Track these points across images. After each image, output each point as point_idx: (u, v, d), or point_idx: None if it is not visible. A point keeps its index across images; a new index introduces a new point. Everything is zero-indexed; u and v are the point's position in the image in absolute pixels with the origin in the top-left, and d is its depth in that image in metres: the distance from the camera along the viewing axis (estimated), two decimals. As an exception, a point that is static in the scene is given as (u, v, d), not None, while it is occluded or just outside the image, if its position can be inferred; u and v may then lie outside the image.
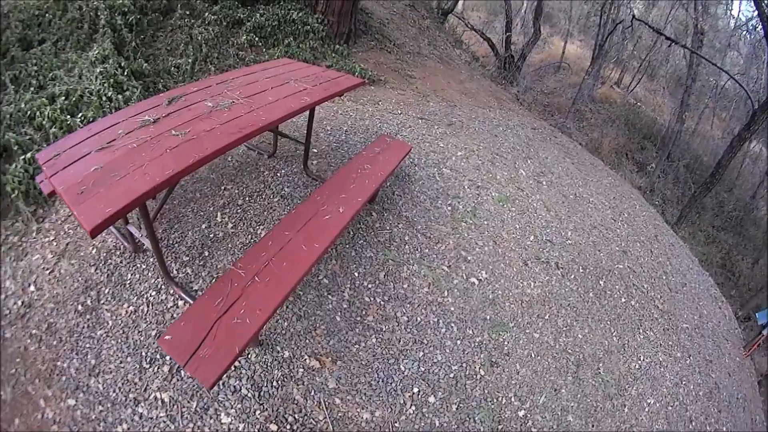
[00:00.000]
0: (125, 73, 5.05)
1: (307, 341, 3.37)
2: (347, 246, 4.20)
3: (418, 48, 9.64)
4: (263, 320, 2.57)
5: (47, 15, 5.57)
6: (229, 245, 3.77)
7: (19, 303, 3.20)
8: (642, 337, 4.94)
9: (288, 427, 2.97)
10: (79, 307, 3.15)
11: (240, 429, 2.87)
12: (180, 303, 3.29)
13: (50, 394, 2.80)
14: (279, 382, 3.12)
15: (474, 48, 16.69)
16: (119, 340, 3.02)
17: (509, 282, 4.58)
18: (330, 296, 3.71)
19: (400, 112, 6.77)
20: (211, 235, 3.80)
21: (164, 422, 2.79)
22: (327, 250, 3.21)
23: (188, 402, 2.89)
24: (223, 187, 4.31)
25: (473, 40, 17.72)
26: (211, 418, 2.86)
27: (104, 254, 3.49)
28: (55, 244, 3.60)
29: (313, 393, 3.16)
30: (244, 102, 3.39)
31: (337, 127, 5.83)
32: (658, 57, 23.30)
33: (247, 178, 4.52)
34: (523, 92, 15.43)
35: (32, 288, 3.28)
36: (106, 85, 4.76)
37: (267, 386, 3.08)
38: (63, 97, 4.56)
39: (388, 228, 4.55)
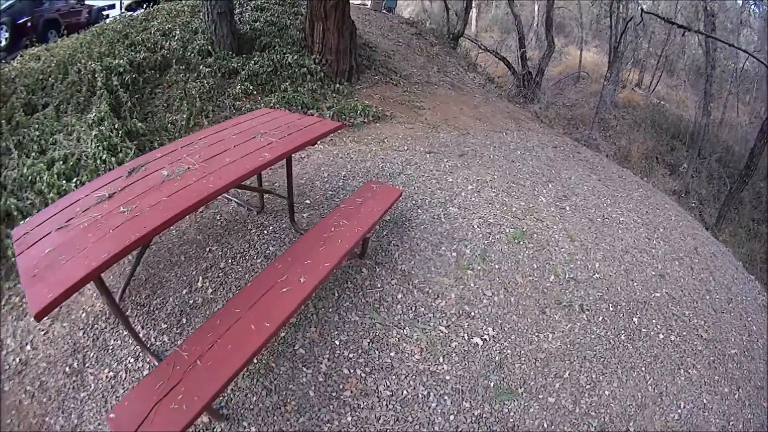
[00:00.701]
0: (120, 135, 4.82)
1: (276, 418, 2.92)
2: (330, 310, 3.57)
3: (426, 77, 8.91)
4: (200, 408, 2.23)
5: (50, 79, 5.59)
6: (207, 312, 3.42)
7: (18, 360, 3.18)
8: (683, 378, 4.02)
9: None
10: (67, 369, 3.08)
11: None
12: (155, 371, 3.01)
13: (36, 446, 2.76)
14: (241, 459, 2.75)
15: (491, 69, 15.97)
16: (99, 404, 2.90)
17: (522, 337, 3.77)
18: (305, 368, 3.17)
19: (406, 148, 6.06)
20: (191, 302, 3.50)
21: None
22: (279, 330, 2.71)
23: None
24: (207, 249, 3.96)
25: (489, 62, 17.04)
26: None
27: (92, 319, 3.37)
28: (51, 306, 3.40)
29: (275, 475, 2.72)
30: (199, 167, 3.02)
31: (335, 173, 5.18)
32: (673, 50, 22.02)
33: (233, 237, 4.10)
34: (545, 108, 14.59)
35: (29, 347, 3.25)
36: (100, 147, 4.59)
37: (228, 462, 2.73)
38: (61, 162, 4.45)
39: (379, 286, 3.85)
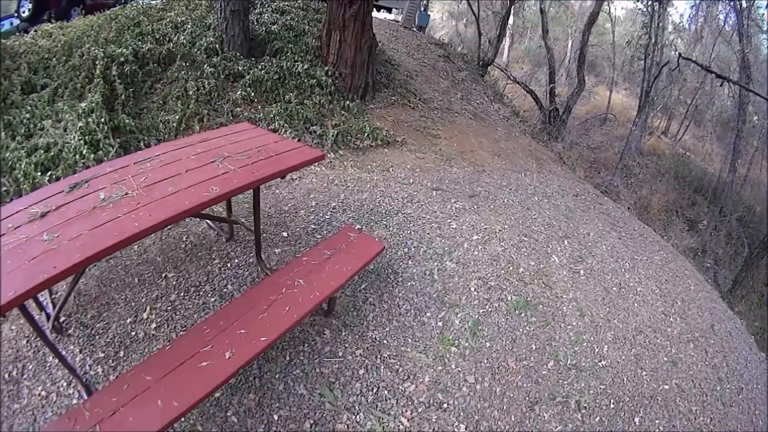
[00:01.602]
0: (105, 130, 4.33)
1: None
2: (276, 376, 2.92)
3: (448, 103, 8.12)
4: None
5: (54, 60, 5.13)
6: (146, 350, 2.96)
7: None
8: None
9: None
10: (6, 376, 2.77)
11: None
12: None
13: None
14: None
15: (517, 102, 15.14)
16: (28, 420, 2.60)
17: (499, 440, 3.01)
18: None
19: (412, 181, 5.31)
20: (133, 333, 3.05)
21: None
22: (187, 413, 2.20)
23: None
24: (163, 275, 3.43)
25: (517, 94, 16.26)
26: None
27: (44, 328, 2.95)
28: (4, 305, 3.00)
29: None
30: (137, 194, 2.49)
31: (325, 203, 4.47)
32: (703, 100, 20.96)
33: (194, 266, 3.53)
34: (569, 148, 13.73)
35: None
36: (82, 141, 4.16)
37: None
38: (43, 150, 4.08)
39: (340, 354, 3.13)
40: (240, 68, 5.66)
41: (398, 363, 3.19)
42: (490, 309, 3.83)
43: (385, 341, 3.29)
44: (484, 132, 7.89)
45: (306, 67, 5.99)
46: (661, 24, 15.23)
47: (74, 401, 2.68)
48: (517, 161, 7.32)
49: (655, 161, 18.18)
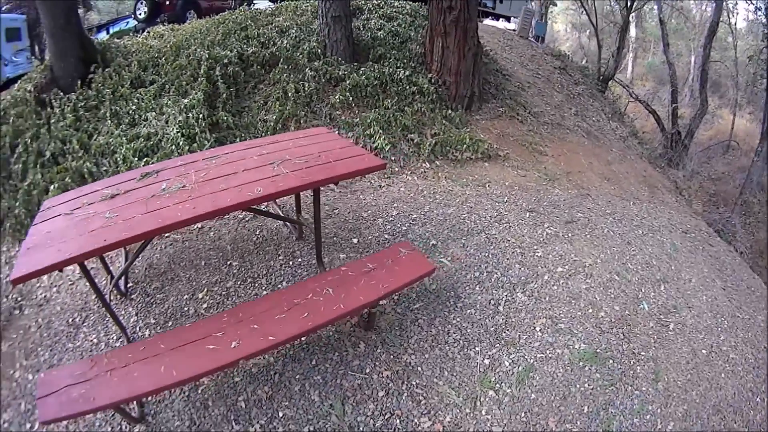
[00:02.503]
0: (203, 125, 4.61)
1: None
2: (297, 376, 2.90)
3: (560, 118, 7.46)
4: (93, 408, 2.22)
5: (162, 59, 5.51)
6: None
7: (44, 295, 3.47)
8: None
9: None
10: (70, 320, 3.26)
11: None
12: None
13: (25, 363, 3.04)
14: None
15: (639, 123, 13.77)
16: (76, 358, 3.00)
17: None
18: (234, 423, 2.69)
19: (506, 199, 4.87)
20: (185, 309, 3.31)
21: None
22: (183, 384, 2.49)
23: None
24: (228, 262, 3.65)
25: (640, 113, 14.88)
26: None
27: (106, 289, 3.32)
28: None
29: None
30: (192, 188, 2.73)
31: (406, 213, 4.24)
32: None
33: (258, 258, 3.68)
34: (689, 177, 12.27)
35: (55, 289, 3.50)
36: (180, 134, 4.47)
37: None
38: (143, 139, 4.45)
39: (367, 371, 2.95)
40: (341, 73, 5.59)
41: (423, 394, 2.92)
42: (550, 355, 3.34)
43: (419, 368, 3.04)
44: (596, 152, 7.19)
45: (408, 73, 5.80)
46: (782, 35, 13.05)
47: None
48: (627, 187, 6.59)
49: (776, 199, 15.75)
